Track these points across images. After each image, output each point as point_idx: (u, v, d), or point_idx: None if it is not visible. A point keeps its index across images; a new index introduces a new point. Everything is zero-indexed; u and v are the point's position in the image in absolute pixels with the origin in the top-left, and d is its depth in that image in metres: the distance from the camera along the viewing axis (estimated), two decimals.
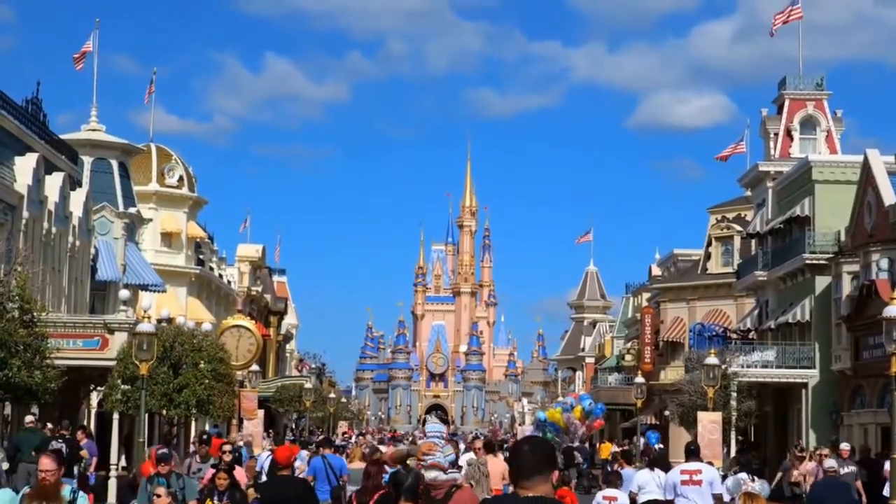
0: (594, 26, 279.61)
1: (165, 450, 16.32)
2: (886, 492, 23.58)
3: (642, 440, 48.80)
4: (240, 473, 18.26)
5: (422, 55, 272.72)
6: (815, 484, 23.47)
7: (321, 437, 28.49)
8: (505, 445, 38.54)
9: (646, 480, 18.64)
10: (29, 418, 27.21)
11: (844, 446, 27.01)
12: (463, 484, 11.08)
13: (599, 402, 59.47)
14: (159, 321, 34.80)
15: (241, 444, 30.30)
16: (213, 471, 19.43)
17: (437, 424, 11.28)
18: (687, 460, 17.65)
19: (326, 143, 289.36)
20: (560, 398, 71.69)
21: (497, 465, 20.32)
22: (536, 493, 6.62)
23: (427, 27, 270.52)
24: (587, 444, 54.10)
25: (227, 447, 19.93)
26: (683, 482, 16.69)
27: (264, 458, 25.55)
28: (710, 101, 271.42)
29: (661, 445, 42.31)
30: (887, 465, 23.98)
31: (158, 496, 13.60)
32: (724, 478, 19.79)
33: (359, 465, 23.49)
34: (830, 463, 21.74)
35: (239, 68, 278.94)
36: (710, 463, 21.18)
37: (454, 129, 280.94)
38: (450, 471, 10.36)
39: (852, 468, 23.49)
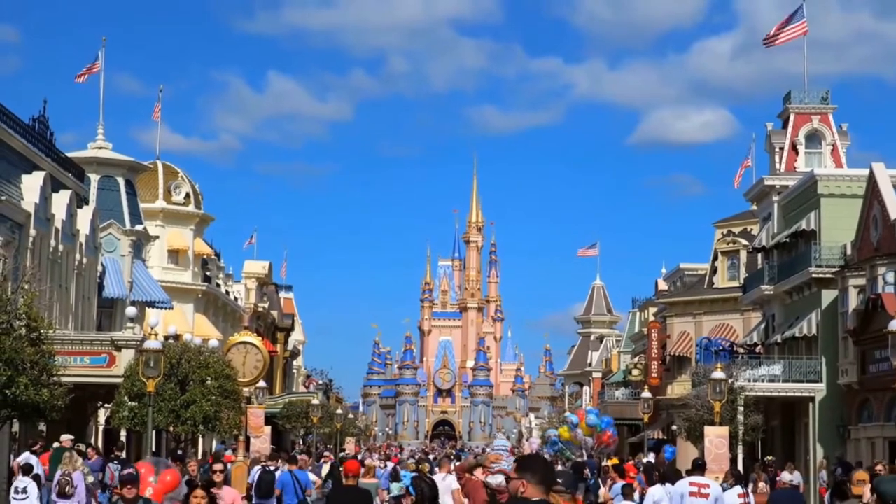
0: (594, 43, 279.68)
1: (132, 470, 13.92)
2: None
3: (651, 455, 48.71)
4: (230, 494, 16.17)
5: (423, 73, 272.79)
6: (773, 494, 24.07)
7: (289, 455, 28.42)
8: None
9: (660, 496, 19.10)
10: (64, 437, 27.48)
11: None
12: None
13: (606, 415, 59.43)
14: (166, 338, 34.86)
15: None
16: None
17: (503, 440, 12.88)
18: (693, 474, 18.30)
19: (331, 160, 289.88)
20: (567, 412, 71.66)
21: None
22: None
23: (428, 45, 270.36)
24: (596, 459, 54.03)
25: (218, 466, 17.07)
26: (692, 493, 17.37)
27: (255, 473, 26.13)
28: (711, 116, 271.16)
29: (650, 459, 42.15)
30: None
31: None
32: None
33: (370, 480, 24.07)
34: (788, 477, 23.00)
35: (242, 87, 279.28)
36: (717, 478, 21.73)
37: (459, 145, 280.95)
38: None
39: None
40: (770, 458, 39.97)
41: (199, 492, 12.56)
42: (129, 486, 12.76)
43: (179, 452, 18.84)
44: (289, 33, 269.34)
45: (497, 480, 11.29)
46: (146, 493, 13.89)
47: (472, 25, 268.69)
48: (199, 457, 38.68)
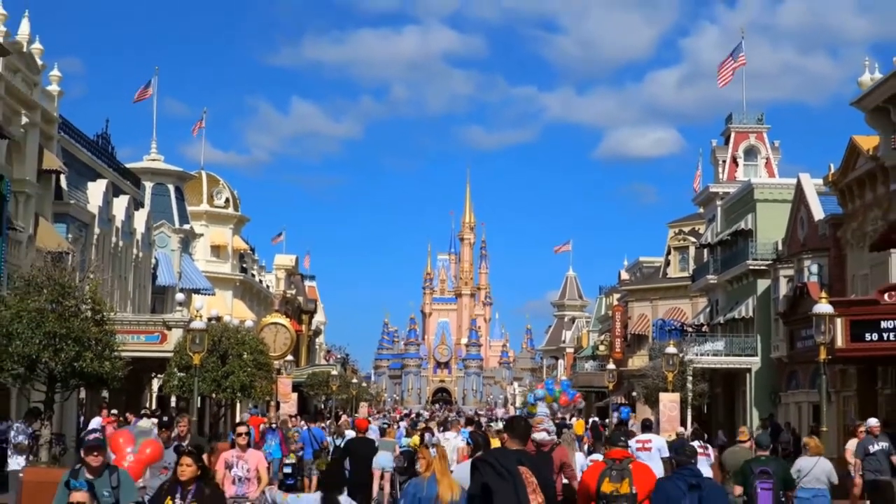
0: (564, 74, 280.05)
1: (98, 434, 10.13)
2: None
3: (614, 416, 48.73)
4: (254, 456, 13.12)
5: (422, 98, 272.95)
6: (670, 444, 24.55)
7: (311, 416, 28.90)
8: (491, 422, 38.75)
9: (596, 456, 19.37)
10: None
11: (873, 422, 20.23)
12: (560, 442, 13.77)
13: (566, 380, 59.40)
14: (209, 319, 34.78)
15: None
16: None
17: (544, 408, 14.07)
18: (642, 433, 18.87)
19: (345, 171, 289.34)
20: (530, 391, 71.48)
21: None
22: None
23: (425, 75, 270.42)
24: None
25: (243, 429, 13.57)
26: (637, 449, 17.71)
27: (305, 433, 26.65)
28: (662, 135, 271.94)
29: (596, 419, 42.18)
30: None
31: None
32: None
33: (390, 438, 24.60)
34: (680, 430, 23.64)
35: (270, 110, 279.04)
36: (657, 434, 22.09)
37: (453, 158, 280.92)
38: (552, 434, 12.77)
39: (884, 444, 19.21)
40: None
41: (186, 459, 9.44)
42: (94, 454, 9.42)
43: (165, 419, 15.67)
44: (308, 66, 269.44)
45: (541, 437, 12.04)
46: (124, 464, 11.07)
47: (462, 59, 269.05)
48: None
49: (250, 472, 12.71)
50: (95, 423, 27.45)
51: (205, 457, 14.46)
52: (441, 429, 31.63)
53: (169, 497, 9.28)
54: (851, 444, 20.46)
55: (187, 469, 9.31)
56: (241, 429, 13.49)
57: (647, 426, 19.45)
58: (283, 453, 25.98)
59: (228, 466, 12.78)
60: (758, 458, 13.21)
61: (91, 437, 9.72)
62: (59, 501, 8.92)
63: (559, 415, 51.46)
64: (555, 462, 12.46)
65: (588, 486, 9.70)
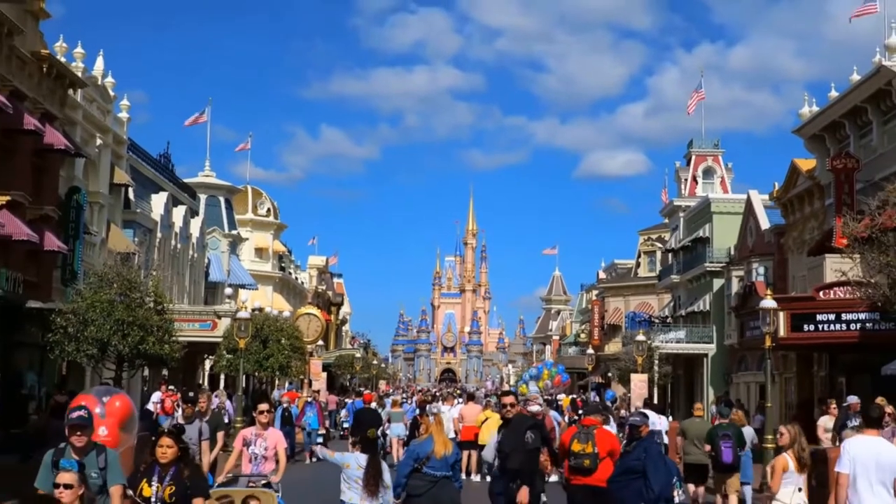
0: (550, 106, 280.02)
1: (83, 412, 7.50)
2: None
3: (594, 394, 48.59)
4: (274, 436, 10.77)
5: (430, 126, 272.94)
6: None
7: (357, 391, 28.80)
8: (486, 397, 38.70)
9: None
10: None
11: (853, 399, 18.22)
12: (546, 413, 14.66)
13: (561, 366, 59.34)
14: (253, 310, 34.81)
15: (285, 401, 27.06)
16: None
17: (535, 387, 15.19)
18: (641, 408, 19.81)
19: (366, 187, 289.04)
20: (533, 367, 71.33)
21: (473, 409, 20.90)
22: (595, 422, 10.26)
23: (433, 107, 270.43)
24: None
25: (264, 406, 10.92)
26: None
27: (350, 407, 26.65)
28: (631, 157, 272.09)
29: (586, 396, 42.04)
30: None
31: (69, 487, 6.17)
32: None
33: (397, 410, 24.31)
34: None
35: (303, 135, 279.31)
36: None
37: (457, 177, 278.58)
38: (542, 407, 14.04)
39: (860, 421, 18.64)
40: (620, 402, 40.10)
41: (166, 440, 7.55)
42: (78, 433, 7.32)
43: (191, 394, 13.24)
44: (335, 98, 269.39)
45: (535, 409, 12.91)
46: (99, 432, 8.89)
47: (464, 93, 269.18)
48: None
49: (268, 450, 10.62)
50: (156, 396, 27.49)
51: (220, 434, 13.86)
52: (459, 400, 31.71)
53: (145, 479, 7.50)
54: (823, 421, 18.90)
55: (168, 450, 7.50)
56: (263, 406, 10.91)
57: (646, 404, 20.39)
58: (320, 424, 25.89)
59: (246, 444, 10.65)
60: (721, 425, 15.05)
61: (74, 415, 7.42)
62: (42, 481, 7.22)
63: (551, 391, 51.46)
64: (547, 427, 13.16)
65: (564, 444, 10.31)
